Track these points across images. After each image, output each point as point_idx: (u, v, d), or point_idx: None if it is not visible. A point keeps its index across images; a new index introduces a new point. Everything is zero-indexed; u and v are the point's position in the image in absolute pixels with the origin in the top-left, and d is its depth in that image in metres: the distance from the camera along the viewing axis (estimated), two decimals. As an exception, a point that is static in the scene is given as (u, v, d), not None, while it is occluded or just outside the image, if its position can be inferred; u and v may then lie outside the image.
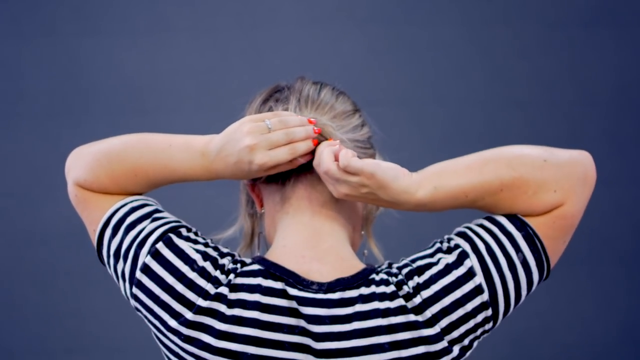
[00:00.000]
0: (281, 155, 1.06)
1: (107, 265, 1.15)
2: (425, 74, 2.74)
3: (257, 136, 1.05)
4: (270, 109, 1.14)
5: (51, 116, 2.68)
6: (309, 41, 2.69)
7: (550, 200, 1.07)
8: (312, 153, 1.10)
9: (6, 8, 2.67)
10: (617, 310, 2.78)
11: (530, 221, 1.08)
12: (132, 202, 1.15)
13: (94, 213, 1.16)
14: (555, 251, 1.10)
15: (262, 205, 1.19)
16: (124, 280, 1.10)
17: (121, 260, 1.10)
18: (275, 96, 1.16)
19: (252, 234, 1.23)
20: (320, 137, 1.10)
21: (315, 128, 1.09)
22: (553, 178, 1.06)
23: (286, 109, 1.13)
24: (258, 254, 1.19)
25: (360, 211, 1.20)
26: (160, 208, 1.16)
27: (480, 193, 1.07)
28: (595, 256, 2.73)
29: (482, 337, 1.09)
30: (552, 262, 1.10)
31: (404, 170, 1.08)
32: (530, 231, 1.08)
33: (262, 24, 2.72)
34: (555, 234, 1.09)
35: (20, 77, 2.68)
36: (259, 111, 1.15)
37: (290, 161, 1.08)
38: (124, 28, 2.69)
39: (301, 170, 1.13)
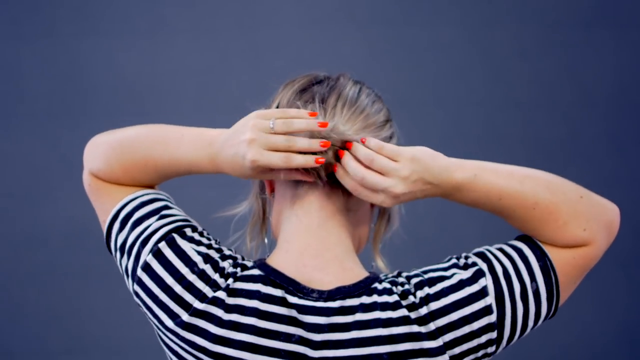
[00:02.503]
0: (274, 159, 1.02)
1: (114, 257, 1.16)
2: (425, 75, 2.74)
3: (257, 132, 1.03)
4: (308, 101, 1.09)
5: (51, 117, 2.68)
6: (309, 42, 2.69)
7: (578, 236, 1.08)
8: (326, 165, 1.06)
9: (6, 8, 2.67)
10: (616, 311, 2.78)
11: (550, 253, 1.09)
12: (142, 195, 1.15)
13: (106, 204, 1.16)
14: (566, 289, 1.11)
15: (272, 191, 1.17)
16: (127, 276, 1.11)
17: (125, 256, 1.11)
18: (313, 89, 1.11)
19: (263, 217, 1.21)
20: (329, 151, 1.05)
21: (322, 142, 1.04)
22: (585, 216, 1.08)
23: (317, 107, 1.08)
24: (263, 244, 1.19)
25: (370, 220, 1.18)
26: (170, 204, 1.16)
27: (513, 202, 1.07)
28: (594, 257, 2.73)
29: None
30: (561, 300, 1.11)
31: (438, 153, 1.08)
32: (548, 263, 1.08)
33: (262, 24, 2.72)
34: (571, 272, 1.10)
35: (20, 78, 2.69)
36: (292, 101, 1.11)
37: (290, 171, 1.05)
38: (124, 28, 2.69)
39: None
